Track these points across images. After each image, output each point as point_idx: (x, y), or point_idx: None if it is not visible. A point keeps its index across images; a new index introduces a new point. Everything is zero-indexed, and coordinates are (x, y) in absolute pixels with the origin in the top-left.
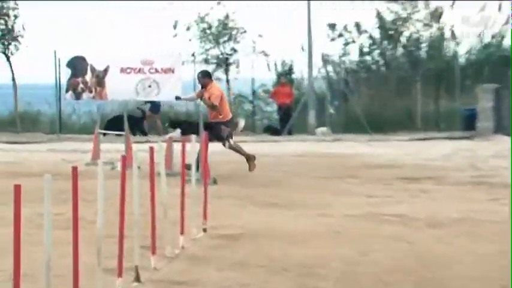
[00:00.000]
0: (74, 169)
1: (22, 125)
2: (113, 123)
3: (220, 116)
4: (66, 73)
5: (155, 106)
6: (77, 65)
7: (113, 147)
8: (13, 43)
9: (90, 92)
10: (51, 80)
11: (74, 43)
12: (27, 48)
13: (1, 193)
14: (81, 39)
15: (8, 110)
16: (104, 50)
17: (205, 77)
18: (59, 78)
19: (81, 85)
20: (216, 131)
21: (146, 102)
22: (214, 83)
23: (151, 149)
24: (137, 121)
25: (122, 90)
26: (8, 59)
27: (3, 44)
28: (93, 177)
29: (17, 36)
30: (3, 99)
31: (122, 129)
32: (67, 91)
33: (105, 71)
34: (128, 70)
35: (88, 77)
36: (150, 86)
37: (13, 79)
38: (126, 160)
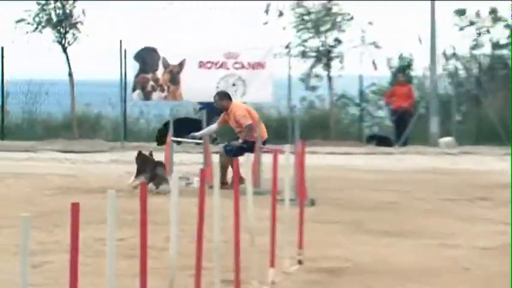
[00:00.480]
0: (142, 185)
1: (80, 130)
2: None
3: (256, 135)
4: (133, 68)
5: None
6: (147, 58)
7: (187, 158)
8: (71, 31)
9: (162, 91)
10: (115, 77)
11: (142, 32)
12: (88, 38)
13: (55, 212)
14: (150, 27)
15: (63, 112)
16: (179, 40)
17: (223, 99)
18: (125, 74)
19: (151, 82)
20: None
21: (200, 103)
22: (235, 103)
23: (235, 161)
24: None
25: (200, 89)
26: (64, 50)
27: (58, 31)
28: (164, 195)
29: (76, 23)
30: (58, 98)
31: (180, 135)
32: (134, 90)
33: (181, 65)
34: (208, 65)
35: (160, 72)
36: (234, 85)
37: (70, 74)
38: (205, 174)
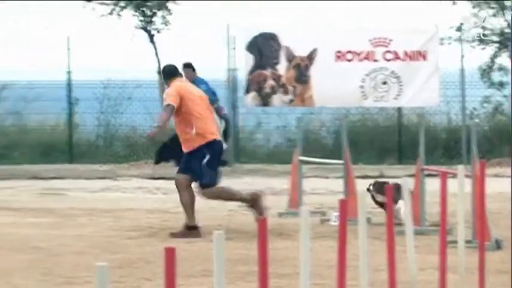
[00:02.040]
0: (262, 222)
1: None
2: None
3: (193, 130)
4: (245, 62)
5: None
6: (264, 48)
7: (323, 186)
8: (160, 13)
9: (286, 92)
10: (220, 74)
11: (257, 13)
12: (182, 22)
13: (141, 261)
14: (267, 7)
15: (151, 125)
16: (306, 24)
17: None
18: (234, 71)
19: (270, 81)
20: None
21: None
22: (177, 80)
23: (387, 187)
24: None
25: (338, 90)
26: (151, 38)
27: (143, 13)
28: (291, 236)
29: (166, 1)
30: (144, 105)
31: (178, 156)
32: (247, 92)
33: (310, 57)
34: (349, 56)
35: (282, 67)
36: (385, 83)
37: (159, 72)
38: (347, 207)
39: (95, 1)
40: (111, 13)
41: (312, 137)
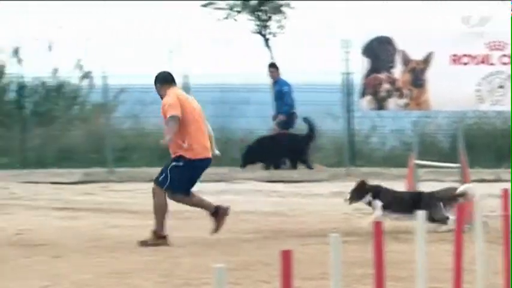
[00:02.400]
0: (377, 225)
1: None
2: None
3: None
4: (361, 66)
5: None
6: (380, 51)
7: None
8: (275, 17)
9: (401, 96)
10: (335, 78)
11: (371, 15)
12: (296, 26)
13: (258, 263)
14: (382, 9)
15: (267, 128)
16: (420, 26)
17: (158, 83)
18: (349, 75)
19: (386, 85)
20: None
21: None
22: (173, 88)
23: (504, 191)
24: (301, 144)
25: (453, 94)
26: (266, 42)
27: (258, 17)
28: (407, 239)
29: (280, 6)
30: (260, 109)
31: (265, 158)
32: (363, 95)
33: (426, 61)
34: (465, 59)
35: (397, 71)
36: (502, 87)
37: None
38: (464, 210)
39: (211, 6)
40: (227, 17)
41: (428, 140)
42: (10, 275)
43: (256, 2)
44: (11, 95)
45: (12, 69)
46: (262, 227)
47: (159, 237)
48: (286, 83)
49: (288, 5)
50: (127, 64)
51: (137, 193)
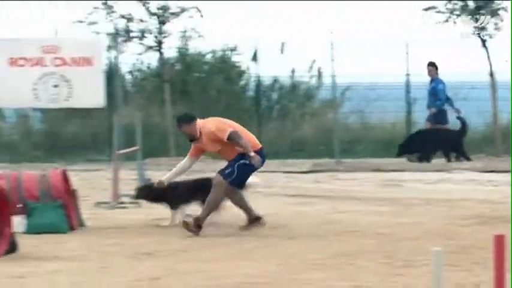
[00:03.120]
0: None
1: (504, 144)
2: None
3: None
4: None
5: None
6: None
7: None
8: (493, 20)
9: None
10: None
11: None
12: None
13: (473, 247)
14: None
15: (484, 123)
16: None
17: (182, 124)
18: None
19: None
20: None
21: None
22: (201, 121)
23: None
24: (455, 138)
25: (13, 93)
26: (483, 43)
27: (476, 20)
28: None
29: (498, 9)
30: (478, 105)
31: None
32: None
33: None
34: (21, 62)
35: None
36: (57, 86)
37: (491, 74)
38: None
39: (433, 10)
40: (446, 21)
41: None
42: (244, 256)
43: (474, 6)
44: (250, 93)
45: (251, 70)
46: (477, 213)
47: (197, 226)
48: (441, 81)
49: (504, 9)
50: (354, 65)
51: (362, 182)
